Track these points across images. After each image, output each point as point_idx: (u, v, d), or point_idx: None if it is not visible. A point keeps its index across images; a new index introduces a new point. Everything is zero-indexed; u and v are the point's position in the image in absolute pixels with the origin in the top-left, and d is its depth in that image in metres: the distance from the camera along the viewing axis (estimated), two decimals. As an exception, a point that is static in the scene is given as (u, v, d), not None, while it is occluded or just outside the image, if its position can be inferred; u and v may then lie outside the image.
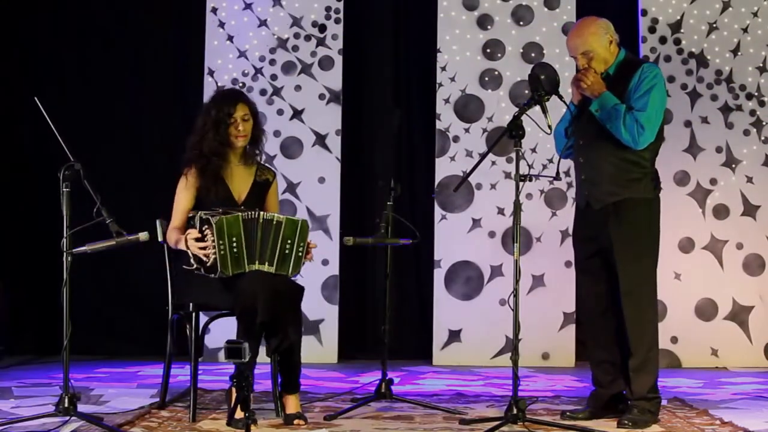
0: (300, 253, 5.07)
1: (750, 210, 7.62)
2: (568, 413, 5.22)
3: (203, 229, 4.95)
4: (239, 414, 4.47)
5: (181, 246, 5.06)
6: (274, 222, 5.02)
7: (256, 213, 5.02)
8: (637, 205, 5.09)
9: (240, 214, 4.97)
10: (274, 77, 7.72)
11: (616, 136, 5.03)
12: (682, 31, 7.68)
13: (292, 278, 5.10)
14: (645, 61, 5.26)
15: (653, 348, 5.09)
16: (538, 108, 5.03)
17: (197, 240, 4.95)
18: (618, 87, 5.08)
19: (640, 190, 5.09)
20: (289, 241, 5.04)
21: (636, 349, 5.05)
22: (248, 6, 7.72)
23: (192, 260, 5.02)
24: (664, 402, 5.66)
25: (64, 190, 4.77)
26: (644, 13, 7.68)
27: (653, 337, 5.10)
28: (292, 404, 5.05)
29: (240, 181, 5.25)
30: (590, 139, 5.14)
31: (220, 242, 4.89)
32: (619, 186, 5.08)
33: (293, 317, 5.00)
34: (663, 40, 7.67)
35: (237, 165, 5.26)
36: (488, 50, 7.71)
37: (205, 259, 4.95)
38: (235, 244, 4.92)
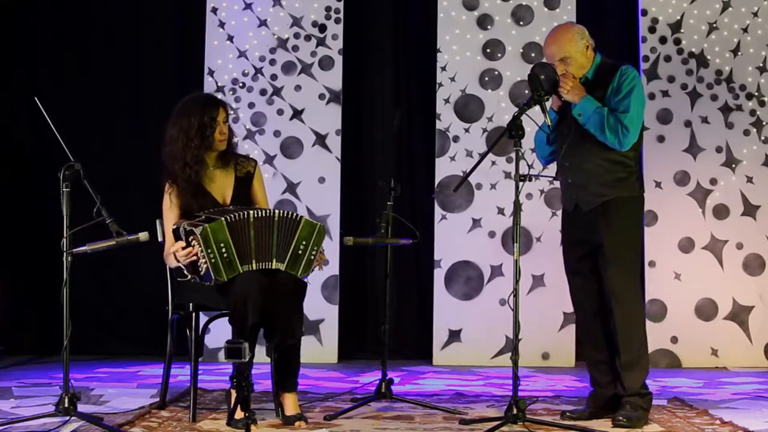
0: (312, 257, 5.05)
1: (750, 210, 7.62)
2: (568, 413, 5.22)
3: (189, 239, 4.91)
4: (239, 414, 4.48)
5: (174, 263, 5.04)
6: (276, 219, 4.98)
7: (245, 213, 4.96)
8: (625, 203, 5.12)
9: (223, 218, 4.90)
10: (274, 77, 7.72)
11: (600, 139, 5.05)
12: (682, 31, 7.68)
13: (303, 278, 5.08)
14: (622, 63, 5.28)
15: (643, 345, 5.10)
16: (538, 108, 5.04)
17: (185, 249, 4.92)
18: (598, 90, 5.11)
19: (627, 189, 5.12)
20: (303, 242, 5.02)
21: (625, 347, 5.05)
22: (248, 6, 7.72)
23: (185, 271, 5.01)
24: (664, 402, 5.68)
25: (64, 190, 4.77)
26: (644, 13, 7.68)
27: (641, 334, 5.11)
28: (290, 404, 5.03)
29: (222, 184, 5.22)
30: (574, 143, 5.14)
31: (209, 251, 4.86)
32: (606, 186, 5.10)
33: (294, 316, 4.98)
34: (663, 40, 7.67)
35: (215, 168, 5.23)
36: (488, 50, 7.71)
37: (198, 267, 4.92)
38: (224, 249, 4.88)
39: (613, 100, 5.07)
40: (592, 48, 5.19)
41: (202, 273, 4.92)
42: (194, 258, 4.90)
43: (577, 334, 7.42)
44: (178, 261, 4.98)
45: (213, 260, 4.86)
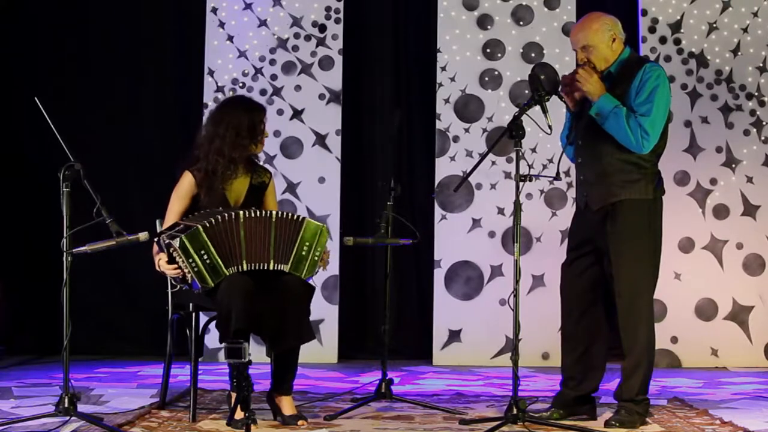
0: (316, 258, 5.03)
1: (750, 210, 7.62)
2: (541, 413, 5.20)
3: (170, 252, 4.88)
4: (239, 414, 4.48)
5: (157, 266, 5.02)
6: (274, 219, 4.96)
7: (231, 214, 4.91)
8: (634, 206, 5.03)
9: (199, 225, 4.85)
10: (274, 77, 7.72)
11: (618, 140, 4.98)
12: (682, 31, 7.68)
13: (307, 280, 5.05)
14: (648, 60, 5.20)
15: (645, 352, 5.01)
16: (538, 108, 5.02)
17: (169, 262, 4.89)
18: (619, 86, 5.03)
19: (638, 192, 5.03)
20: (307, 244, 4.99)
21: (628, 352, 5.02)
22: (248, 6, 7.72)
23: (174, 281, 5.01)
24: (664, 402, 5.68)
25: (64, 190, 4.76)
26: (644, 13, 7.68)
27: (647, 341, 5.02)
28: (288, 405, 5.02)
29: (237, 189, 5.19)
30: (589, 140, 5.10)
31: (190, 260, 4.83)
32: (617, 187, 5.03)
33: (301, 318, 4.94)
34: (663, 40, 7.67)
35: (239, 171, 5.22)
36: (488, 50, 7.71)
37: (185, 278, 4.90)
38: (205, 256, 4.84)
39: (634, 100, 4.98)
40: (620, 41, 5.09)
41: (189, 282, 4.91)
42: (178, 271, 4.89)
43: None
44: (164, 272, 4.97)
45: (196, 269, 4.84)
